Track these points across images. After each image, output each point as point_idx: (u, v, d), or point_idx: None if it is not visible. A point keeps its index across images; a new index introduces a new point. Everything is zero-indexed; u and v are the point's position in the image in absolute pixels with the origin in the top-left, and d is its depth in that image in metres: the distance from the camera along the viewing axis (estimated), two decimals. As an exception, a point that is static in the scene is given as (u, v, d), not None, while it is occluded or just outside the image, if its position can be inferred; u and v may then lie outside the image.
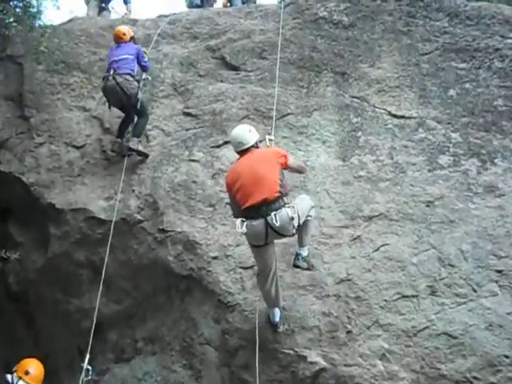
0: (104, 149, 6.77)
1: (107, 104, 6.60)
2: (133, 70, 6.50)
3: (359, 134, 6.35)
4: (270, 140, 5.35)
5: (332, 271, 5.43)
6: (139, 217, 6.22)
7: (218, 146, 6.49)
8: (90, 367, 4.76)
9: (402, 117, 6.37)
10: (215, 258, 5.75)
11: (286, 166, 4.92)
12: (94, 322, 5.47)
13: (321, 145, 6.30)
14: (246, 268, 5.63)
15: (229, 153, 6.30)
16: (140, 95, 6.58)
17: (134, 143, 6.40)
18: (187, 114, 6.89)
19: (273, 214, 4.63)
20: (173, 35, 7.88)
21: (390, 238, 5.54)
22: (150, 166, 6.50)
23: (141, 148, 6.47)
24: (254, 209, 4.70)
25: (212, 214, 6.00)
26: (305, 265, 5.08)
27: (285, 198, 4.77)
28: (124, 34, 6.81)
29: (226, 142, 6.43)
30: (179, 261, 5.92)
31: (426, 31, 6.99)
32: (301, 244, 5.11)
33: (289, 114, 6.55)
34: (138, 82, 6.55)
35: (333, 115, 6.51)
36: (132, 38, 6.90)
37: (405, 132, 6.25)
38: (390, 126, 6.34)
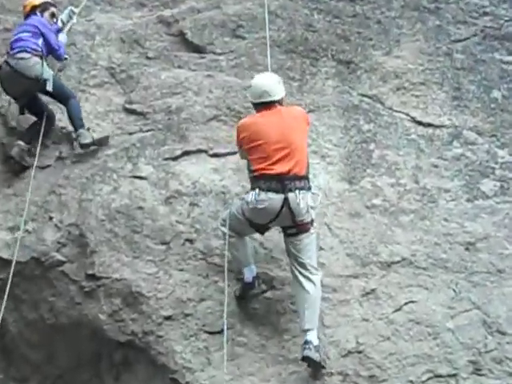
0: (9, 155, 6.69)
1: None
2: (30, 47, 6.61)
3: (372, 146, 6.41)
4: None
5: (336, 339, 5.40)
6: (59, 256, 6.11)
7: (175, 158, 6.44)
8: None
9: (430, 125, 6.50)
10: (169, 317, 5.68)
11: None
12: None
13: (319, 160, 6.31)
14: (213, 333, 5.56)
15: (190, 168, 6.30)
16: (48, 73, 6.59)
17: (84, 137, 6.48)
18: (130, 112, 6.85)
19: (297, 191, 5.07)
20: (110, 0, 7.82)
21: (417, 294, 5.57)
22: (77, 183, 6.38)
23: (95, 136, 6.53)
24: (276, 179, 5.10)
25: (165, 254, 5.94)
26: (318, 357, 5.09)
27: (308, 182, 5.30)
28: (25, 6, 7.03)
29: (187, 153, 6.42)
30: (116, 321, 5.83)
31: (461, 10, 7.18)
32: (308, 324, 5.14)
33: (274, 116, 6.59)
34: (41, 57, 6.62)
35: (335, 120, 6.56)
36: (35, 8, 6.97)
37: (434, 146, 6.36)
38: (413, 136, 6.44)
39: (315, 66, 6.91)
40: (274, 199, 5.08)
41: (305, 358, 5.10)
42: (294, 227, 5.20)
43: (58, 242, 6.13)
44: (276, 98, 5.35)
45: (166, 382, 5.54)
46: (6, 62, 6.53)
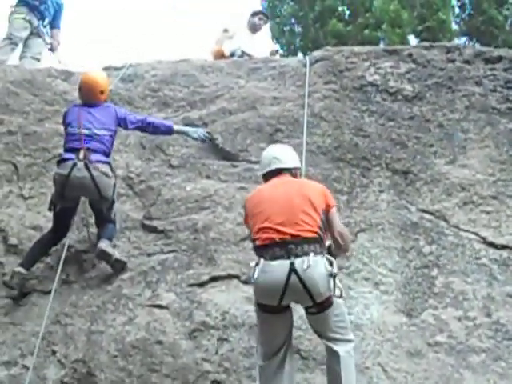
0: (5, 280, 6.89)
1: (54, 198, 6.86)
2: (108, 157, 6.94)
3: (434, 272, 6.58)
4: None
5: None
6: (63, 399, 6.15)
7: (202, 285, 6.61)
8: None
9: (505, 247, 6.67)
10: None
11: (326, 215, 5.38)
12: None
13: (372, 289, 6.48)
14: None
15: (219, 296, 6.45)
16: (115, 196, 6.98)
17: (106, 245, 6.67)
18: (150, 229, 7.10)
19: (304, 257, 5.05)
20: (130, 99, 8.31)
21: None
22: (85, 312, 6.55)
23: (118, 254, 6.73)
24: (277, 246, 5.16)
25: (188, 398, 5.97)
26: None
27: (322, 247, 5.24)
28: (102, 92, 7.09)
29: (215, 279, 6.60)
30: None
31: (537, 111, 7.48)
32: None
33: (319, 236, 6.79)
34: (115, 175, 6.99)
35: (391, 240, 6.77)
36: (103, 93, 7.16)
37: (510, 272, 6.49)
38: (484, 260, 6.60)
39: (367, 177, 7.18)
40: (278, 267, 5.07)
41: None
42: (313, 307, 5.18)
43: (62, 382, 6.16)
44: (286, 165, 5.54)
45: None
46: (86, 167, 6.68)
